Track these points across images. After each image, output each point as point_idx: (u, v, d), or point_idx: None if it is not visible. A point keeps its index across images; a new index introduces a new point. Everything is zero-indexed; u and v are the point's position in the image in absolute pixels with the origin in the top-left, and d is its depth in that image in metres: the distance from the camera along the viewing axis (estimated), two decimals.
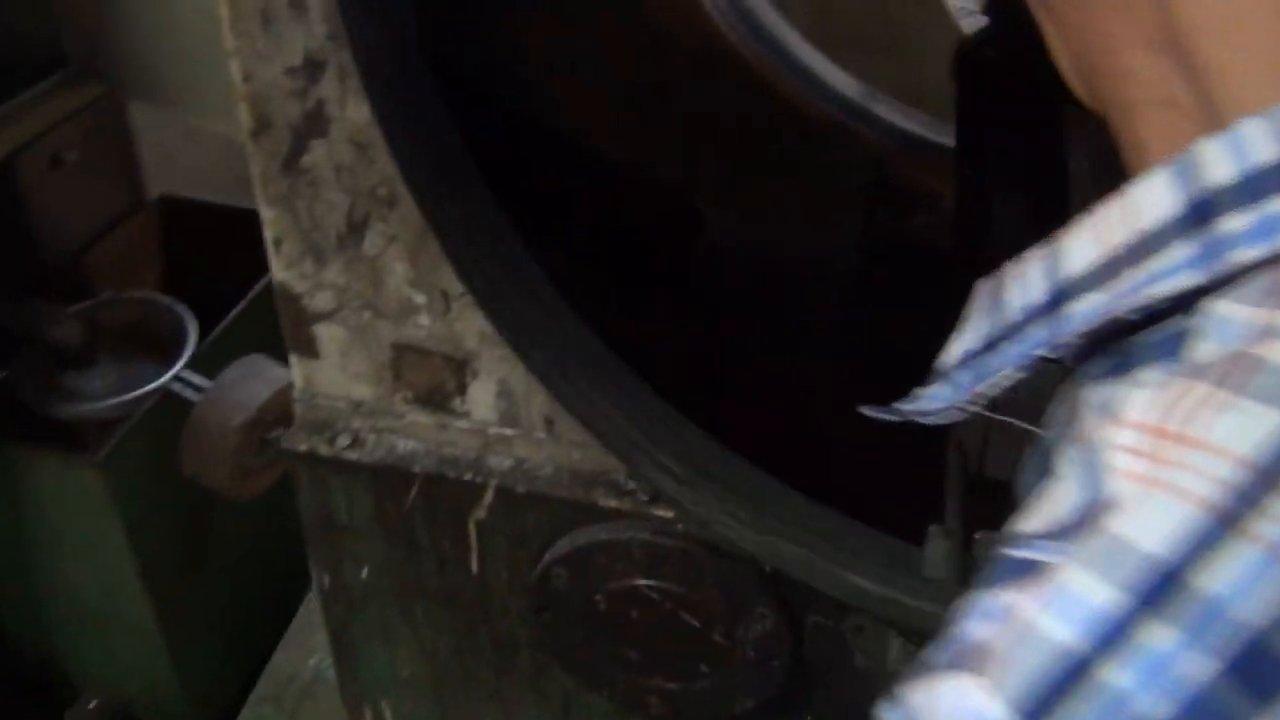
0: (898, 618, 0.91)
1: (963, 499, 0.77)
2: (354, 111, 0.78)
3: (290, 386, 1.00)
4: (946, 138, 1.47)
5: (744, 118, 1.49)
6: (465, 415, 0.95)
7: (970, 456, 0.83)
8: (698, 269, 1.49)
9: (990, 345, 0.39)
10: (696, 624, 0.97)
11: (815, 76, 1.43)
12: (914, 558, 0.89)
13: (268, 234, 0.88)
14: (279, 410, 1.22)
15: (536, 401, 0.92)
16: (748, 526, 0.88)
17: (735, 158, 1.49)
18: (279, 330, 0.96)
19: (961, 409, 0.42)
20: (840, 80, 1.45)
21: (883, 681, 0.94)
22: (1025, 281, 0.38)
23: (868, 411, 0.47)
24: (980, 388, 0.40)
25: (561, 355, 0.88)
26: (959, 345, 0.42)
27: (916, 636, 0.92)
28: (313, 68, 0.77)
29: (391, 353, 0.93)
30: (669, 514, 0.92)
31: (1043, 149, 0.87)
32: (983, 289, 0.41)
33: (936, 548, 0.77)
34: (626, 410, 0.92)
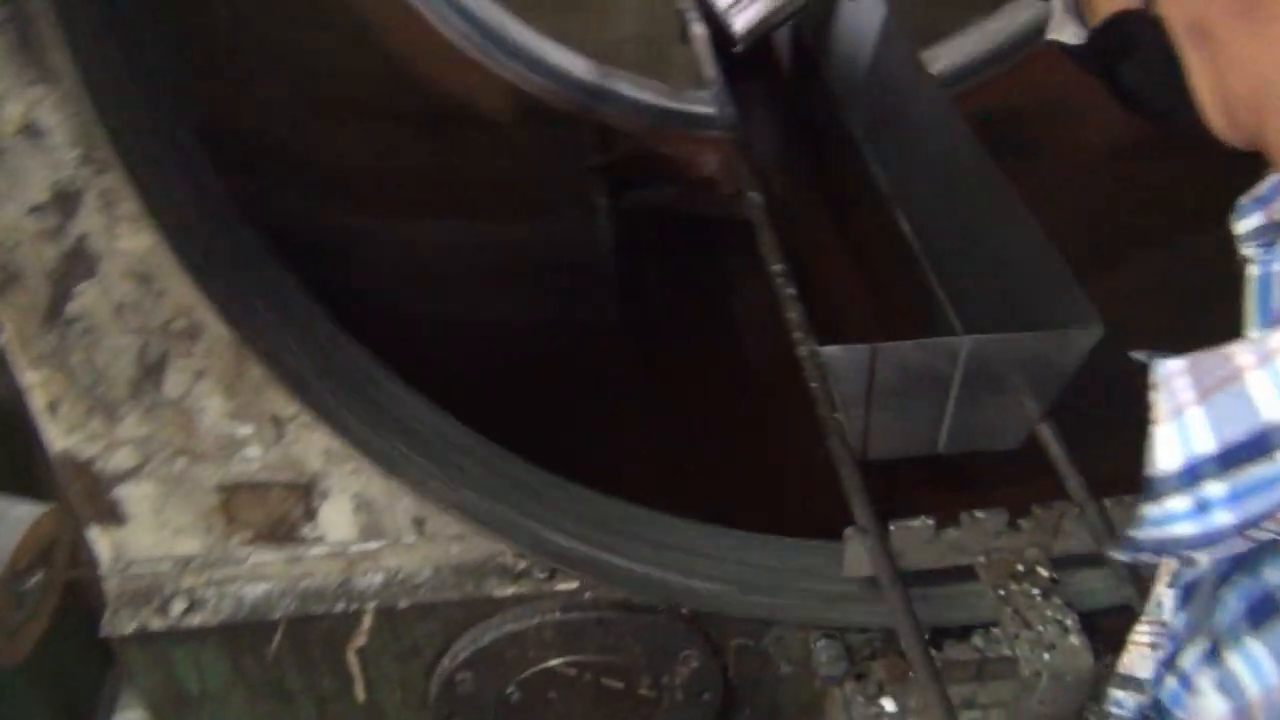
0: (821, 621, 0.89)
1: (864, 495, 0.76)
2: (129, 241, 0.64)
3: (41, 522, 0.83)
4: (690, 106, 1.46)
5: (464, 108, 1.41)
6: (320, 540, 0.83)
7: (854, 449, 0.82)
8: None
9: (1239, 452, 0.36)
10: (620, 686, 0.91)
11: (545, 63, 1.36)
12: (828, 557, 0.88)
13: (36, 401, 0.72)
14: (34, 553, 1.03)
15: (402, 506, 0.82)
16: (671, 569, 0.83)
17: (457, 155, 1.40)
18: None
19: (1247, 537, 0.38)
20: (575, 65, 1.39)
21: (810, 680, 0.93)
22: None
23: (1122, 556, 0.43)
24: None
25: (428, 449, 0.78)
26: (1176, 450, 0.38)
27: (838, 632, 0.90)
28: (65, 200, 0.62)
29: (218, 496, 0.79)
30: (573, 584, 0.85)
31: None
32: (1183, 378, 0.37)
33: (855, 548, 0.76)
34: (501, 485, 0.85)
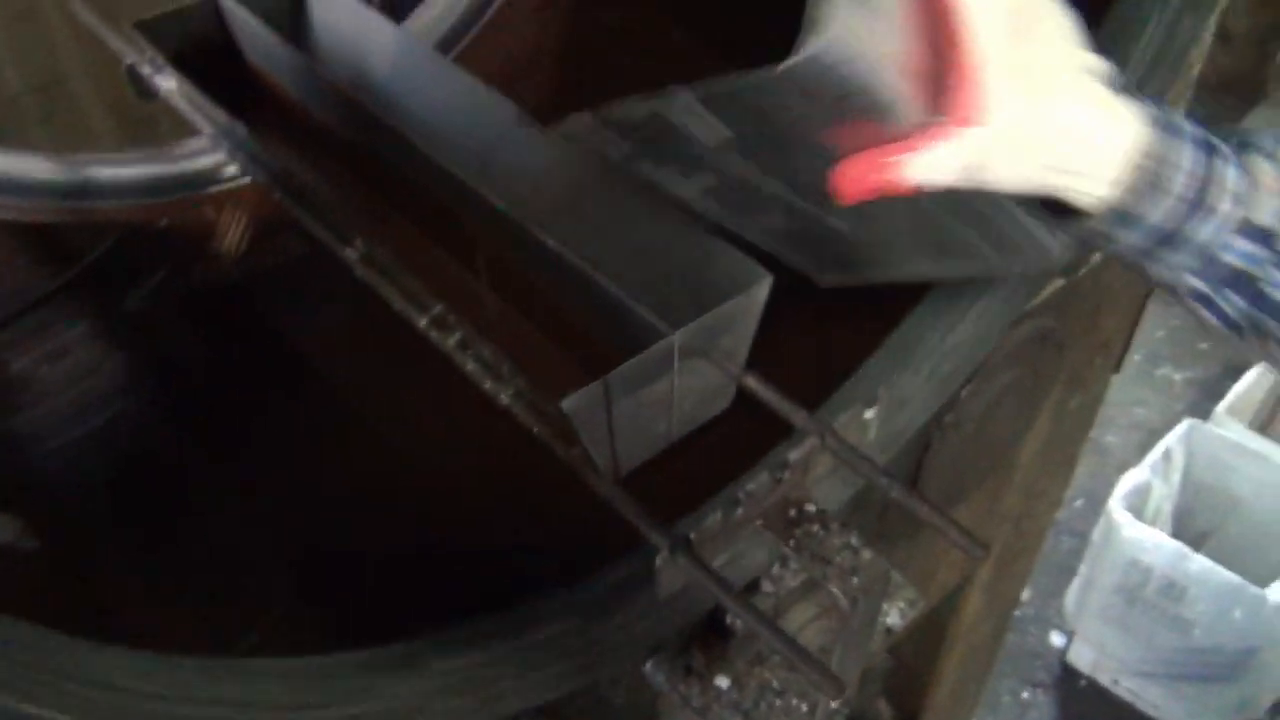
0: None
1: (646, 515, 0.76)
2: None
3: None
4: (188, 164, 1.28)
5: None
6: None
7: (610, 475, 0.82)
8: None
9: None
10: None
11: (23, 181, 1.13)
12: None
13: None
14: None
15: None
16: None
17: None
18: None
19: None
20: (33, 167, 1.16)
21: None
22: None
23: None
24: None
25: None
26: None
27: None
28: None
29: None
30: None
31: None
32: None
33: (669, 569, 0.76)
34: None
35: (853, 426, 0.83)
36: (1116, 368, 1.37)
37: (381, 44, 1.11)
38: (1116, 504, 2.33)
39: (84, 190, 1.19)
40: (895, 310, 0.96)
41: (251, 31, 1.11)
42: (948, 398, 0.97)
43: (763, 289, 0.79)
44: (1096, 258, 1.07)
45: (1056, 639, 2.90)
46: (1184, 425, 2.54)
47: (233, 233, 1.33)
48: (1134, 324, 1.27)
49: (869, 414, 0.85)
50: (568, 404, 0.72)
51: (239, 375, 1.30)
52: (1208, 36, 1.00)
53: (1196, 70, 1.05)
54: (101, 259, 1.25)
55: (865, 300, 0.98)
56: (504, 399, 0.84)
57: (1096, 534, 2.49)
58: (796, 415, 0.81)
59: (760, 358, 0.85)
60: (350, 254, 0.96)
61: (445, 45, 1.34)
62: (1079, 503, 3.25)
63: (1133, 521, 2.29)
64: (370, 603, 0.97)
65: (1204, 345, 3.96)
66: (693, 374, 0.81)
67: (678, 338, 0.75)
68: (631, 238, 0.91)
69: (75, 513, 1.11)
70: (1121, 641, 2.48)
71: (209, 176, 1.24)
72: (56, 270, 1.22)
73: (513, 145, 0.98)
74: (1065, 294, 1.04)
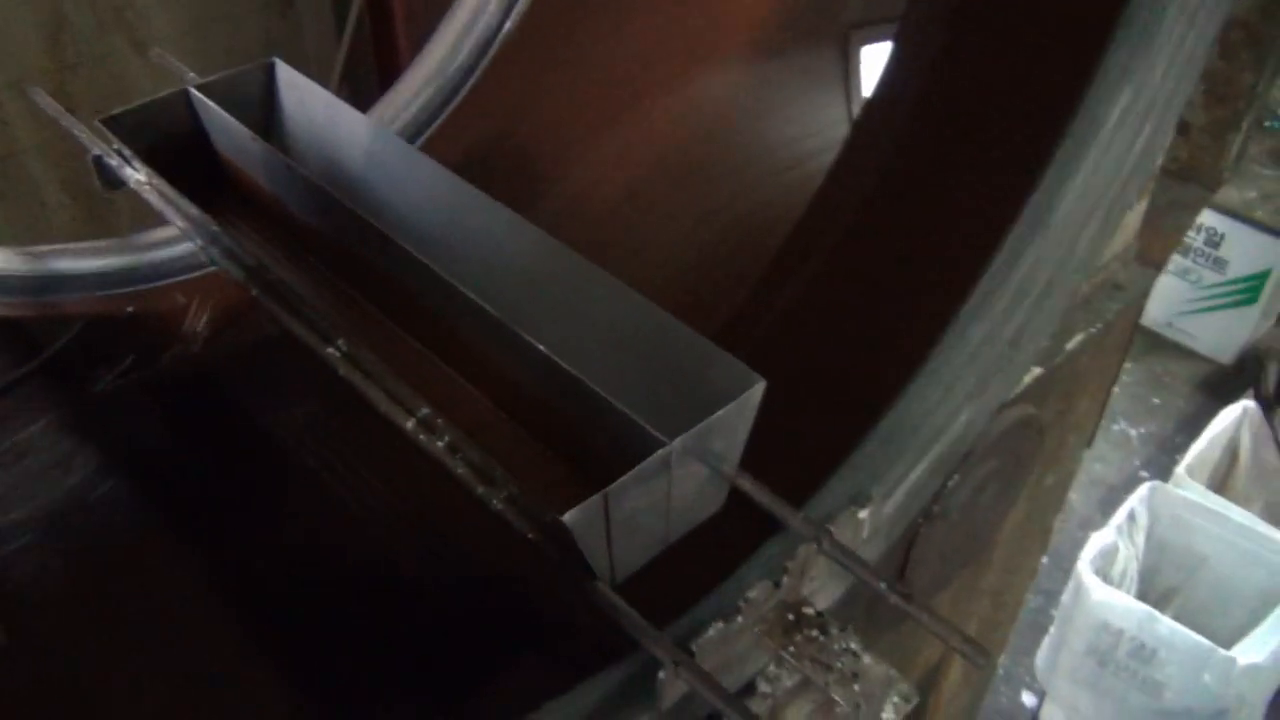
0: None
1: (650, 628, 0.75)
2: None
3: None
4: (155, 253, 1.26)
5: None
6: None
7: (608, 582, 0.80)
8: None
9: None
10: None
11: None
12: None
13: None
14: None
15: None
16: None
17: None
18: None
19: None
20: (3, 263, 1.13)
21: None
22: None
23: None
24: None
25: None
26: None
27: None
28: None
29: None
30: None
31: None
32: None
33: (672, 681, 0.75)
34: None
35: (847, 527, 0.83)
36: (1088, 443, 1.38)
37: (352, 133, 1.10)
38: (1085, 567, 2.34)
39: (46, 285, 1.16)
40: (878, 397, 0.96)
41: (222, 124, 1.10)
42: (936, 489, 0.97)
43: (756, 393, 0.79)
44: (1072, 343, 1.09)
45: (1028, 699, 2.90)
46: (1146, 487, 2.58)
47: (200, 318, 1.31)
48: (1105, 404, 1.29)
49: (863, 514, 0.84)
50: (570, 518, 0.70)
51: (208, 461, 1.27)
52: (1169, 134, 1.03)
53: (1159, 163, 1.07)
54: (64, 349, 1.22)
55: (846, 386, 0.98)
56: (496, 504, 0.82)
57: (1066, 596, 2.50)
58: (792, 518, 0.80)
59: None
60: (332, 353, 0.94)
61: (413, 132, 1.33)
62: (1044, 559, 3.27)
63: (1101, 585, 2.30)
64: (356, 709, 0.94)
65: (1157, 400, 4.04)
66: (688, 478, 0.80)
67: (676, 445, 0.74)
68: (618, 333, 0.90)
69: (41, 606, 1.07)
70: (1093, 703, 2.48)
71: (176, 266, 1.21)
72: (15, 362, 1.19)
73: (485, 234, 0.98)
74: (1044, 380, 1.05)
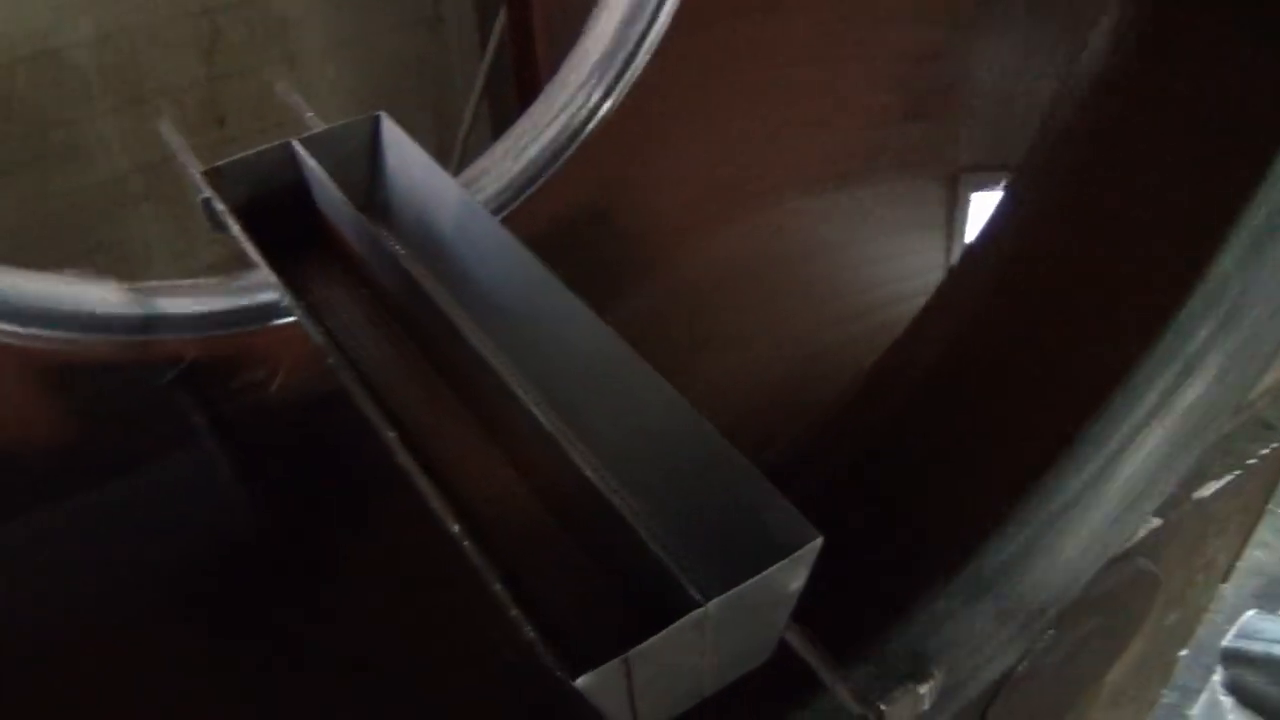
0: None
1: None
2: None
3: None
4: (251, 298, 1.28)
5: None
6: None
7: None
8: None
9: None
10: None
11: (72, 316, 1.12)
12: None
13: None
14: None
15: None
16: None
17: None
18: None
19: None
20: (108, 302, 1.16)
21: None
22: None
23: None
24: None
25: None
26: None
27: None
28: None
29: None
30: None
31: None
32: None
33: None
34: None
35: (904, 705, 0.75)
36: (1224, 577, 1.24)
37: (443, 201, 1.08)
38: (1218, 686, 2.15)
39: (149, 324, 1.19)
40: (953, 551, 0.87)
41: (320, 180, 1.09)
42: (1021, 651, 0.88)
43: (812, 550, 0.72)
44: (1205, 490, 0.97)
45: None
46: None
47: (297, 359, 1.32)
48: (1244, 541, 1.15)
49: (923, 689, 0.76)
50: (584, 683, 0.65)
51: (299, 499, 1.28)
52: None
53: None
54: (167, 384, 1.24)
55: (922, 536, 0.90)
56: (529, 631, 0.78)
57: (1198, 712, 2.30)
58: (842, 691, 0.73)
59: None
60: (392, 437, 0.92)
61: (510, 195, 1.30)
62: (1183, 652, 3.03)
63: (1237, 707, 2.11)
64: None
65: None
66: (730, 632, 0.74)
67: (711, 608, 0.69)
68: (672, 456, 0.85)
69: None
70: None
71: (273, 311, 1.22)
72: (119, 397, 1.22)
73: (555, 325, 0.94)
74: (1164, 532, 0.94)
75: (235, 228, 1.08)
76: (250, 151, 1.13)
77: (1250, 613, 2.43)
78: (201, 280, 1.22)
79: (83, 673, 1.01)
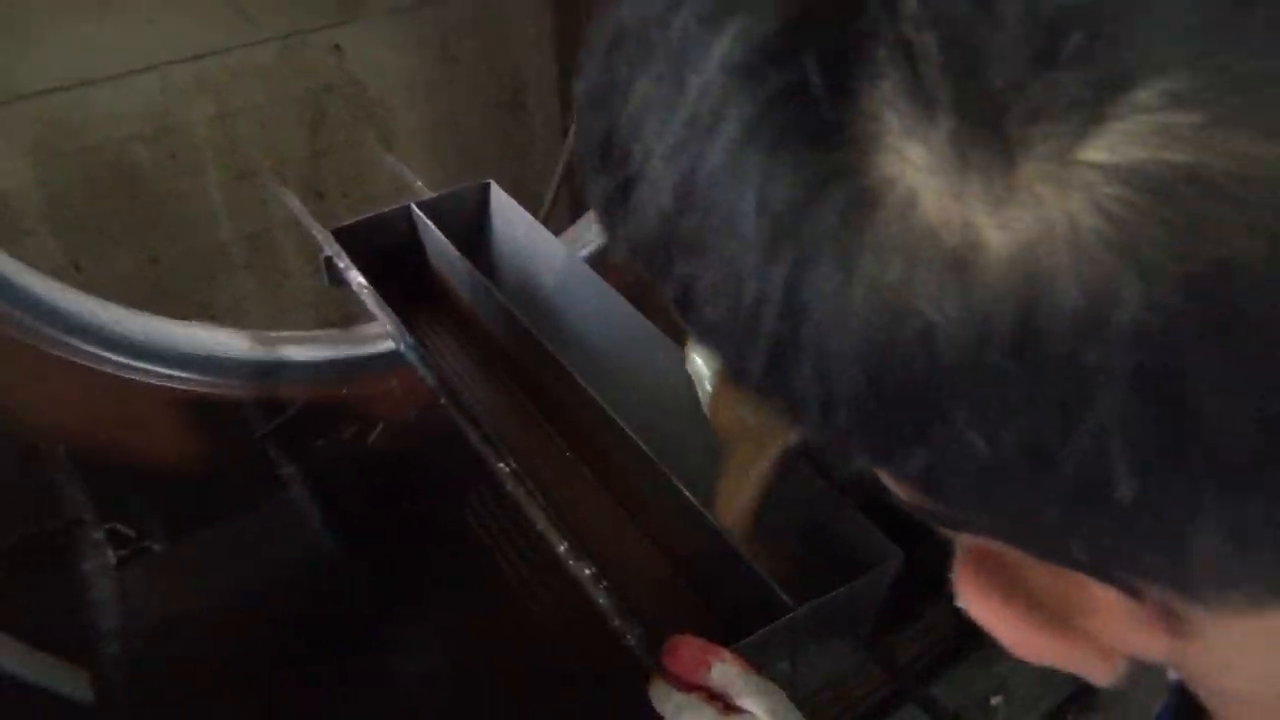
0: None
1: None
2: None
3: None
4: (368, 348, 1.38)
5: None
6: None
7: None
8: None
9: None
10: None
11: (200, 359, 1.23)
12: None
13: None
14: None
15: None
16: None
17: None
18: None
19: None
20: (234, 344, 1.27)
21: None
22: None
23: None
24: None
25: None
26: None
27: None
28: None
29: None
30: None
31: None
32: None
33: None
34: None
35: (973, 712, 0.81)
36: None
37: (549, 259, 1.18)
38: None
39: (274, 370, 1.30)
40: None
41: (435, 239, 1.20)
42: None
43: (892, 567, 0.79)
44: None
45: None
46: None
47: (407, 405, 1.42)
48: None
49: (996, 700, 0.82)
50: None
51: (401, 536, 1.36)
52: None
53: None
54: (281, 426, 1.35)
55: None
56: (630, 639, 0.85)
57: None
58: (917, 697, 0.80)
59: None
60: (503, 469, 1.01)
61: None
62: None
63: None
64: None
65: None
66: (815, 641, 0.81)
67: (801, 613, 0.76)
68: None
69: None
70: None
71: (390, 360, 1.32)
72: (233, 437, 1.33)
73: (655, 371, 1.03)
74: None
75: (359, 280, 1.19)
76: (372, 213, 1.26)
77: None
78: (324, 331, 1.33)
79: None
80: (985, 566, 0.28)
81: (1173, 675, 0.43)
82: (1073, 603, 0.27)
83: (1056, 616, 0.27)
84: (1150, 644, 0.27)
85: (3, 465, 1.13)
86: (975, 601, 0.29)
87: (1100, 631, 0.27)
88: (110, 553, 1.10)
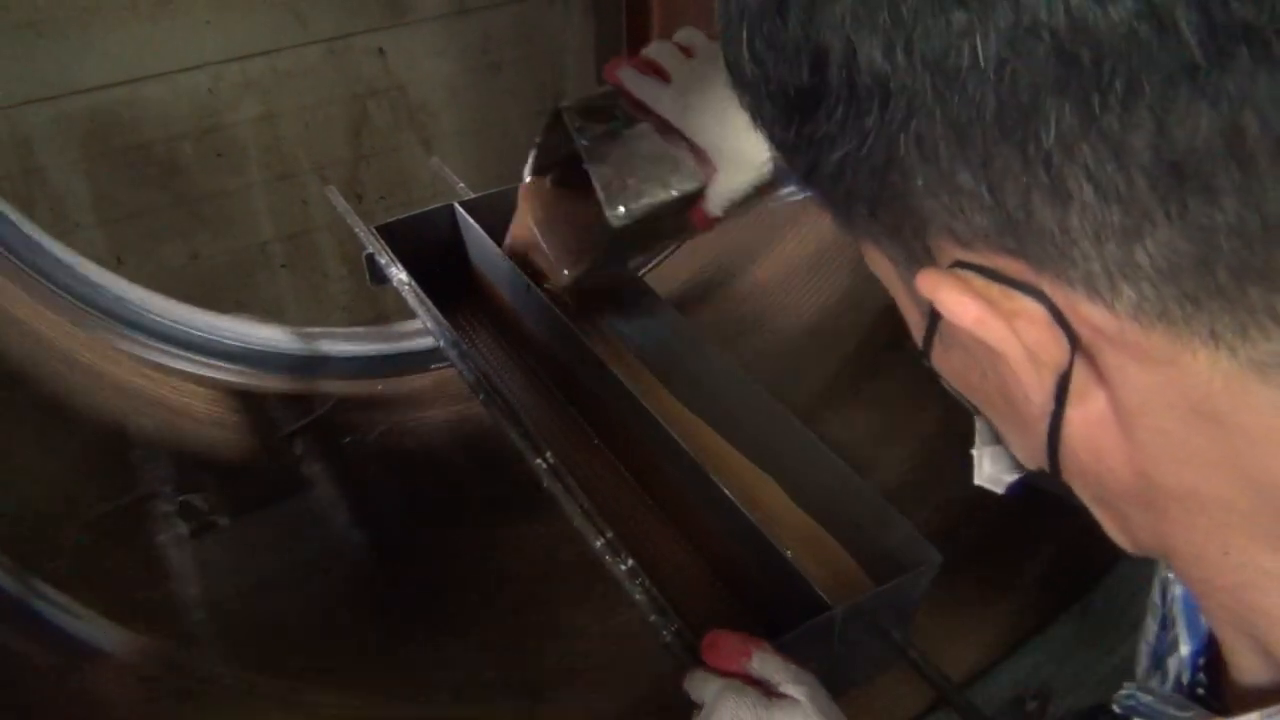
0: None
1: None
2: None
3: None
4: (406, 344, 1.40)
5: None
6: None
7: None
8: None
9: None
10: None
11: (244, 352, 1.25)
12: None
13: None
14: None
15: None
16: None
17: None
18: None
19: None
20: (278, 339, 1.29)
21: None
22: None
23: None
24: None
25: None
26: None
27: None
28: None
29: None
30: None
31: None
32: None
33: None
34: None
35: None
36: None
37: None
38: None
39: (313, 364, 1.31)
40: (1084, 579, 0.92)
41: (477, 238, 1.22)
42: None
43: (930, 569, 0.79)
44: None
45: None
46: None
47: (442, 401, 1.43)
48: None
49: (1031, 704, 0.82)
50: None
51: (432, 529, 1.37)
52: None
53: None
54: (318, 419, 1.36)
55: (1043, 565, 0.95)
56: (666, 636, 0.85)
57: None
58: (958, 701, 0.79)
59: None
60: (540, 464, 1.01)
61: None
62: None
63: None
64: None
65: None
66: (853, 641, 0.81)
67: (838, 613, 0.76)
68: (804, 486, 0.93)
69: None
70: None
71: (428, 356, 1.33)
72: (270, 430, 1.34)
73: (695, 372, 1.03)
74: None
75: (400, 275, 1.20)
76: (415, 212, 1.27)
77: None
78: (363, 328, 1.34)
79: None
80: (944, 340, 0.36)
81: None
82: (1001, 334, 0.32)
83: (991, 357, 0.33)
84: (1084, 395, 0.32)
85: (83, 443, 1.15)
86: (940, 361, 0.38)
87: (1030, 345, 0.32)
88: (183, 525, 1.11)
